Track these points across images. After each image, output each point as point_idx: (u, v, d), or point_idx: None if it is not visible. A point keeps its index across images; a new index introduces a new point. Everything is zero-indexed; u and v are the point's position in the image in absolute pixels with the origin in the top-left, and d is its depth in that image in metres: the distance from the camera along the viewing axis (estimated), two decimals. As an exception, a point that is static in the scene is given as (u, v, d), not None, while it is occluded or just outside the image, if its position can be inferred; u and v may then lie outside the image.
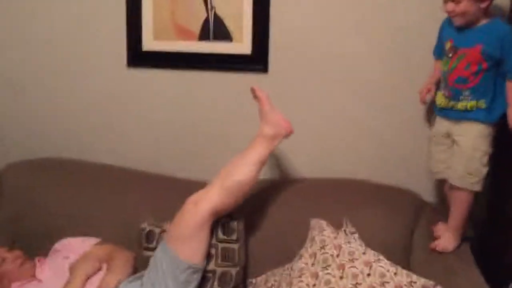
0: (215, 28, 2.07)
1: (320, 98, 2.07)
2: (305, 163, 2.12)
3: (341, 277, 1.50)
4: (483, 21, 1.62)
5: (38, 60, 2.21)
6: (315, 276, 1.53)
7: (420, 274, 1.57)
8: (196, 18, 2.07)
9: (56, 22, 2.16)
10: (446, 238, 1.78)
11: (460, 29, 1.64)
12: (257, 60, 2.07)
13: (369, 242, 1.71)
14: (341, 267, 1.53)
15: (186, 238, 1.65)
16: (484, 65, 1.61)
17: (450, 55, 1.68)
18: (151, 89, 2.18)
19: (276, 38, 2.04)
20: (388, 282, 1.47)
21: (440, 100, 1.75)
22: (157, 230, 1.88)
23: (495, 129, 1.70)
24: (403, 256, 1.80)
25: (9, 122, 2.29)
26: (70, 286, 1.66)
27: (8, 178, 2.15)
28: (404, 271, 1.52)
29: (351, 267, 1.52)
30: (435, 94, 1.80)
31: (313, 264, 1.58)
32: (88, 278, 1.73)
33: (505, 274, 1.69)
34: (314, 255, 1.61)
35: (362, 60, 2.01)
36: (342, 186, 2.05)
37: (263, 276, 1.83)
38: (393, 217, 1.90)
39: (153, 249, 1.83)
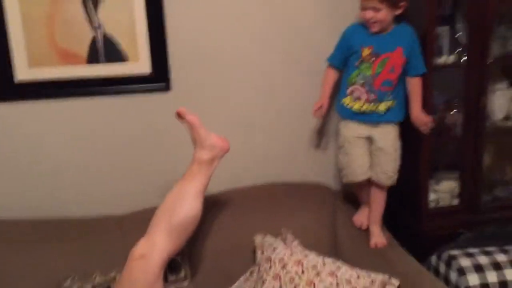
0: (106, 49, 1.84)
1: (225, 107, 2.03)
2: (217, 175, 2.06)
3: (314, 295, 1.54)
4: (392, 26, 1.77)
5: None
6: (288, 298, 1.55)
7: (358, 265, 1.72)
8: (82, 39, 1.82)
9: None
10: (377, 233, 1.92)
11: (376, 35, 1.76)
12: (158, 78, 1.92)
13: (304, 246, 1.79)
14: (310, 283, 1.58)
15: None
16: (404, 66, 1.78)
17: (372, 60, 1.76)
18: (34, 123, 1.85)
19: (176, 53, 1.91)
20: (355, 287, 1.57)
21: (357, 105, 1.81)
22: (88, 286, 1.66)
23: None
24: (333, 251, 1.93)
25: None
26: None
27: None
28: (364, 272, 1.63)
29: (320, 281, 1.58)
30: (341, 104, 1.87)
31: (280, 287, 1.59)
32: None
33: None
34: (277, 276, 1.62)
35: (260, 66, 2.02)
36: (260, 193, 2.07)
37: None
38: (317, 216, 2.00)
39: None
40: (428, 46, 1.80)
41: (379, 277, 1.62)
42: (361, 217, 2.00)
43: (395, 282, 1.62)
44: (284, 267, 1.64)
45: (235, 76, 2.01)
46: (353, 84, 1.82)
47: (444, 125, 2.01)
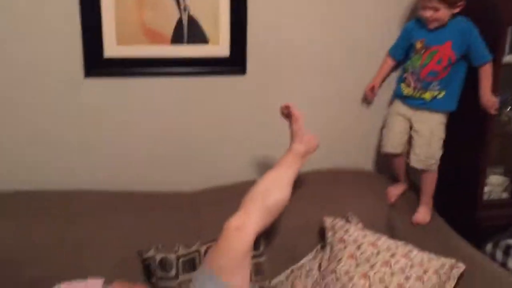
0: (190, 30, 1.91)
1: (296, 93, 2.10)
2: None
3: (392, 274, 1.65)
4: (447, 20, 1.88)
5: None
6: (366, 276, 1.65)
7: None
8: (168, 20, 1.88)
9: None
10: (422, 212, 2.06)
11: (426, 30, 1.90)
12: (235, 62, 1.99)
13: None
14: (387, 263, 1.68)
15: (237, 267, 1.57)
16: (453, 59, 1.89)
17: (422, 52, 1.92)
18: (117, 100, 1.92)
19: (253, 38, 1.98)
20: (427, 270, 1.68)
21: (407, 90, 2.00)
22: (172, 257, 1.74)
23: (448, 117, 2.01)
24: (390, 234, 2.03)
25: None
26: None
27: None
28: (433, 255, 1.74)
29: (396, 262, 1.68)
30: (399, 86, 2.05)
31: (357, 266, 1.69)
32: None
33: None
34: (353, 256, 1.72)
35: (331, 54, 2.10)
36: (322, 178, 2.16)
37: (281, 279, 1.88)
38: (375, 202, 2.11)
39: (172, 279, 1.72)
40: (500, 46, 1.89)
41: (447, 261, 1.73)
42: (393, 190, 2.14)
43: (462, 265, 1.74)
44: (358, 247, 1.74)
45: (302, 62, 2.08)
46: (406, 72, 2.00)
47: (500, 122, 2.12)
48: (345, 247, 1.76)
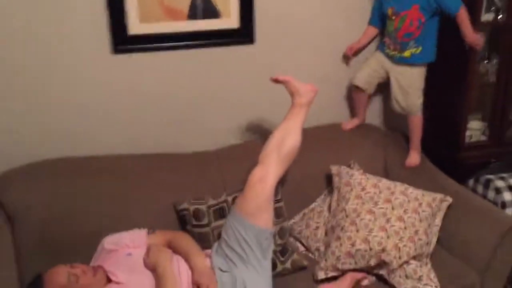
0: (204, 6, 2.12)
1: (300, 60, 2.36)
2: None
3: (392, 208, 1.96)
4: None
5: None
6: (372, 212, 1.96)
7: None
8: (184, -3, 2.08)
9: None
10: (413, 156, 2.36)
11: None
12: (244, 33, 2.22)
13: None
14: (388, 200, 1.99)
15: (261, 211, 1.86)
16: (423, 19, 2.13)
17: (393, 17, 2.17)
18: (141, 73, 2.14)
19: (260, 12, 2.20)
20: (421, 203, 1.99)
21: (388, 51, 2.25)
22: (203, 207, 2.01)
23: (432, 68, 2.27)
24: (387, 177, 2.34)
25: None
26: (169, 281, 1.73)
27: (7, 193, 1.92)
28: (426, 192, 2.05)
29: (395, 199, 1.99)
30: (382, 44, 2.31)
31: (363, 204, 1.99)
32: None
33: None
34: (359, 196, 2.02)
35: (333, 26, 2.35)
36: (326, 132, 2.44)
37: (296, 220, 2.19)
38: (374, 151, 2.40)
39: (205, 226, 2.00)
40: (478, 5, 2.16)
41: (438, 195, 2.05)
42: (349, 122, 2.45)
43: (449, 199, 2.06)
44: (363, 189, 2.04)
45: (305, 32, 2.33)
46: (385, 36, 2.26)
47: (478, 73, 2.40)
48: (351, 189, 2.06)
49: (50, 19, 1.95)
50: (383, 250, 1.85)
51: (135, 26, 2.06)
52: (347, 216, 1.99)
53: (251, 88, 2.31)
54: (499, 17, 2.30)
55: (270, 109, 2.34)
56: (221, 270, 1.83)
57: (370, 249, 1.87)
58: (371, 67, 2.32)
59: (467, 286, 1.92)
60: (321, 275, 1.92)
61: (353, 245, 1.90)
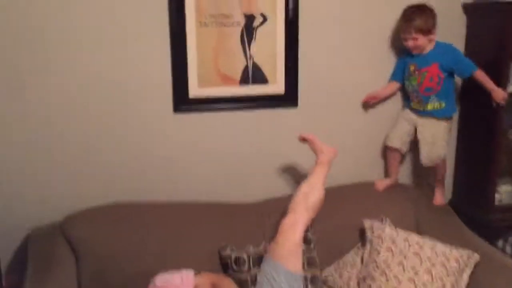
0: (254, 74, 2.43)
1: (338, 122, 2.61)
2: (335, 175, 2.53)
3: (420, 262, 2.11)
4: (430, 46, 2.39)
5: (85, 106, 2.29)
6: (401, 264, 2.11)
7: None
8: (237, 66, 2.40)
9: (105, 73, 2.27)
10: (438, 194, 2.57)
11: (417, 55, 2.40)
12: (289, 97, 2.50)
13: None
14: (416, 254, 2.14)
15: (292, 255, 2.04)
16: (442, 76, 2.39)
17: (416, 73, 2.42)
18: (198, 130, 2.44)
19: (303, 79, 2.49)
20: (449, 259, 2.13)
21: (413, 104, 2.51)
22: (244, 255, 2.21)
23: (451, 122, 2.52)
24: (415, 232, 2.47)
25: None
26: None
27: (74, 231, 2.19)
28: (453, 248, 2.19)
29: (423, 252, 2.14)
30: (408, 100, 2.56)
31: (393, 256, 2.15)
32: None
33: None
34: (389, 249, 2.18)
35: (372, 88, 2.60)
36: (357, 189, 2.62)
37: (330, 270, 2.35)
38: (403, 207, 2.56)
39: (244, 272, 2.19)
40: (504, 77, 2.37)
41: (465, 252, 2.18)
42: (382, 182, 2.61)
43: (477, 256, 2.19)
44: (393, 242, 2.21)
45: (344, 100, 2.59)
46: (408, 90, 2.51)
47: (508, 139, 2.57)
48: (382, 242, 2.22)
49: (127, 81, 2.30)
50: (411, 300, 1.99)
51: (195, 89, 2.37)
52: (377, 267, 2.15)
53: (294, 147, 2.55)
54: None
55: (309, 166, 2.57)
56: (258, 312, 2.01)
57: (399, 299, 2.01)
58: (402, 125, 2.54)
59: None
60: (353, 321, 2.07)
61: (383, 294, 2.05)
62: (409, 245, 2.18)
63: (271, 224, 2.36)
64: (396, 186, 2.69)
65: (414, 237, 2.23)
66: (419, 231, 2.45)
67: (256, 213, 2.43)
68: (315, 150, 2.31)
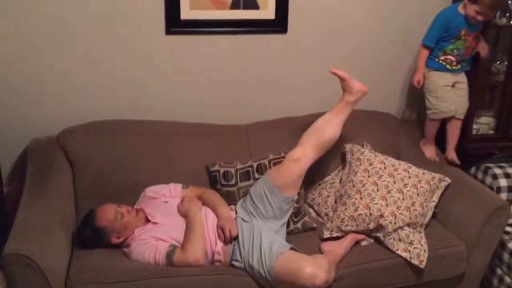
0: (245, -1, 2.47)
1: (327, 50, 2.66)
2: (318, 103, 2.63)
3: (394, 182, 2.25)
4: None
5: (81, 29, 2.35)
6: (375, 184, 2.26)
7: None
8: (228, -10, 2.44)
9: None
10: (453, 154, 2.58)
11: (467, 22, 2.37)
12: (279, 23, 2.55)
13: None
14: (391, 175, 2.28)
15: (291, 185, 2.18)
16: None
17: (465, 38, 2.40)
18: (189, 52, 2.51)
19: (294, 6, 2.53)
20: (421, 180, 2.28)
21: (451, 66, 2.46)
22: (232, 170, 2.35)
23: None
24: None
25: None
26: (197, 224, 2.08)
27: (71, 144, 2.32)
28: (427, 171, 2.33)
29: (398, 174, 2.28)
30: (437, 62, 2.47)
31: (369, 176, 2.29)
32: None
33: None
34: (366, 170, 2.32)
35: (364, 18, 2.64)
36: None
37: (312, 190, 2.50)
38: (387, 135, 2.67)
39: (232, 186, 2.34)
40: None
41: (437, 175, 2.33)
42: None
43: (448, 179, 2.33)
44: (371, 164, 2.34)
45: (335, 25, 2.63)
46: (447, 54, 2.45)
47: (491, 73, 2.65)
48: (360, 164, 2.36)
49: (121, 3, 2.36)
50: (381, 216, 2.15)
51: (186, 12, 2.42)
52: (353, 186, 2.29)
53: (282, 72, 2.64)
54: (511, 21, 2.53)
55: (298, 91, 2.67)
56: (243, 219, 2.17)
57: (370, 214, 2.17)
58: (449, 97, 2.49)
59: (455, 253, 2.18)
60: (327, 234, 2.24)
61: (356, 210, 2.20)
62: (385, 167, 2.32)
63: (257, 143, 2.50)
64: (380, 115, 2.77)
65: (391, 160, 2.37)
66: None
67: (243, 133, 2.55)
68: (344, 88, 2.31)
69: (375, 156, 2.38)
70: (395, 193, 2.22)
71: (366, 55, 2.72)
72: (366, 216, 2.18)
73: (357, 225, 2.20)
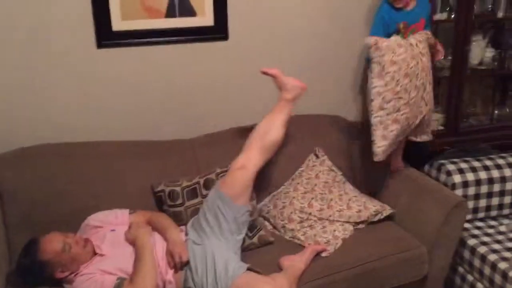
0: (180, 5, 2.33)
1: (273, 55, 2.56)
2: (266, 109, 2.53)
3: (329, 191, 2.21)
4: (413, 2, 2.29)
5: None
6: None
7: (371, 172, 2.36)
8: (162, -3, 2.29)
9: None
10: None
11: (405, 12, 2.28)
12: (218, 30, 2.42)
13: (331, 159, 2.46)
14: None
15: (241, 193, 2.04)
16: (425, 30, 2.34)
17: (403, 30, 2.30)
18: (124, 66, 2.34)
19: (233, 11, 2.41)
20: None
21: None
22: (177, 189, 2.21)
23: None
24: (348, 161, 2.56)
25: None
26: (147, 251, 1.92)
27: (1, 171, 2.10)
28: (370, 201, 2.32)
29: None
30: None
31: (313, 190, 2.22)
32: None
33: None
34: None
35: (308, 20, 2.56)
36: (299, 121, 2.59)
37: (266, 202, 2.40)
38: (340, 138, 2.60)
39: (179, 205, 2.19)
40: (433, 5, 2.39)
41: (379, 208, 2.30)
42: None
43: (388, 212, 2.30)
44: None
45: (279, 29, 2.53)
46: None
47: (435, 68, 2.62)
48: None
49: (47, 16, 2.16)
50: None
51: (117, 23, 2.25)
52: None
53: (227, 80, 2.51)
54: (452, 16, 2.52)
55: (245, 98, 2.56)
56: (194, 242, 2.02)
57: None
58: None
59: (417, 256, 2.13)
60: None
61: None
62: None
63: (204, 157, 2.36)
64: (330, 118, 2.70)
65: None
66: (351, 160, 2.53)
67: (188, 148, 2.40)
68: (278, 87, 2.22)
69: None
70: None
71: (313, 57, 2.64)
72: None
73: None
